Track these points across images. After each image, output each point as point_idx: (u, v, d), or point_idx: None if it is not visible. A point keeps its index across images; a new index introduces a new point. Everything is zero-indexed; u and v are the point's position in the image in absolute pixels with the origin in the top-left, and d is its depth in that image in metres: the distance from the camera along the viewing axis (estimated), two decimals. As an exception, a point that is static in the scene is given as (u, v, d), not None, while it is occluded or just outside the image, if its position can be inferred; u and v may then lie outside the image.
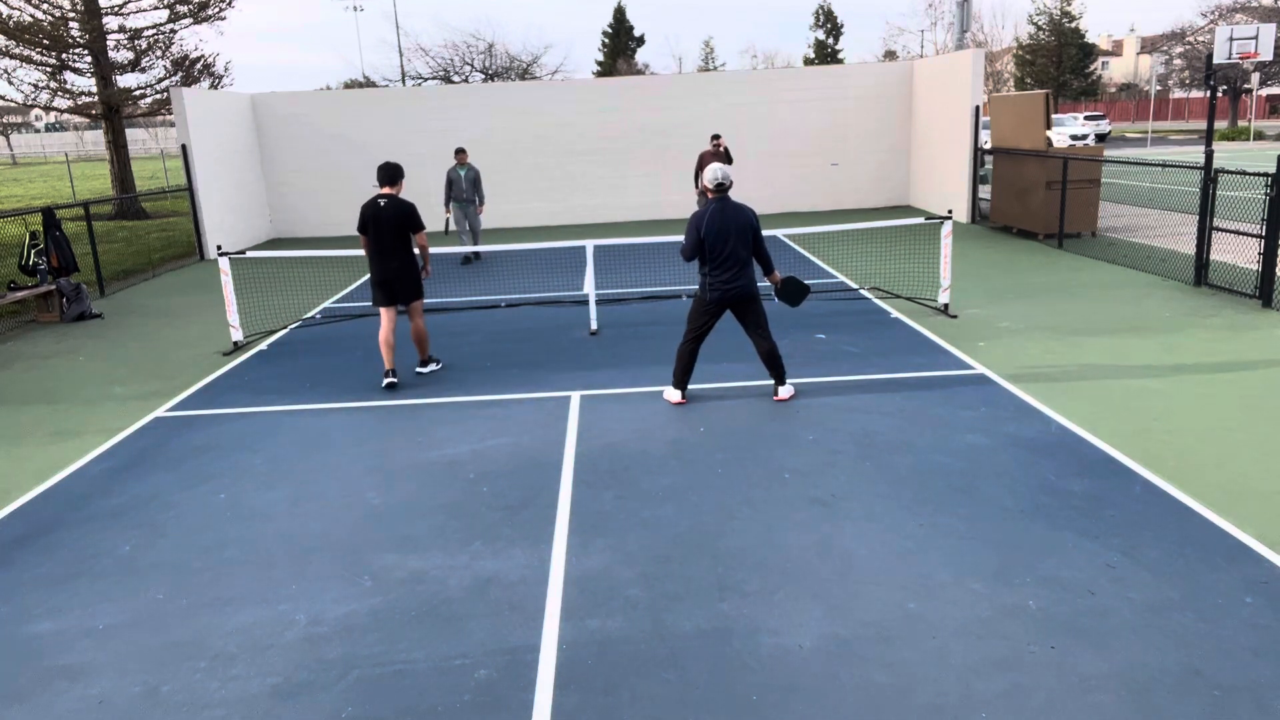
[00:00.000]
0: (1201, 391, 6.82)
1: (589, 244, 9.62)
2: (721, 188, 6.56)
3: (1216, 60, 10.87)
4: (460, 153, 14.21)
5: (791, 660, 3.71)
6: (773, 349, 6.88)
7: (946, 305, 9.66)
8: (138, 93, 23.70)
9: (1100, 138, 42.78)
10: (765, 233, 10.63)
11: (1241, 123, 51.89)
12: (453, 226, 14.37)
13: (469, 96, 20.08)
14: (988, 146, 16.61)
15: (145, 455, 6.40)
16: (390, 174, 7.66)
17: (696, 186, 14.91)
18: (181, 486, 5.79)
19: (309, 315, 10.84)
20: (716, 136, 14.83)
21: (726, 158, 14.70)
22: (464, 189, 14.07)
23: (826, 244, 14.78)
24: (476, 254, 10.21)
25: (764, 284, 10.50)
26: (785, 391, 6.93)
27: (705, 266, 6.62)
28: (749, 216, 6.61)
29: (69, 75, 23.15)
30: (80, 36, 22.25)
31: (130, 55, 23.45)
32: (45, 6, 22.10)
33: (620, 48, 61.20)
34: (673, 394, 6.97)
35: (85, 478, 6.03)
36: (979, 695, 3.44)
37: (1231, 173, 9.90)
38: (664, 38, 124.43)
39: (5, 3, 21.29)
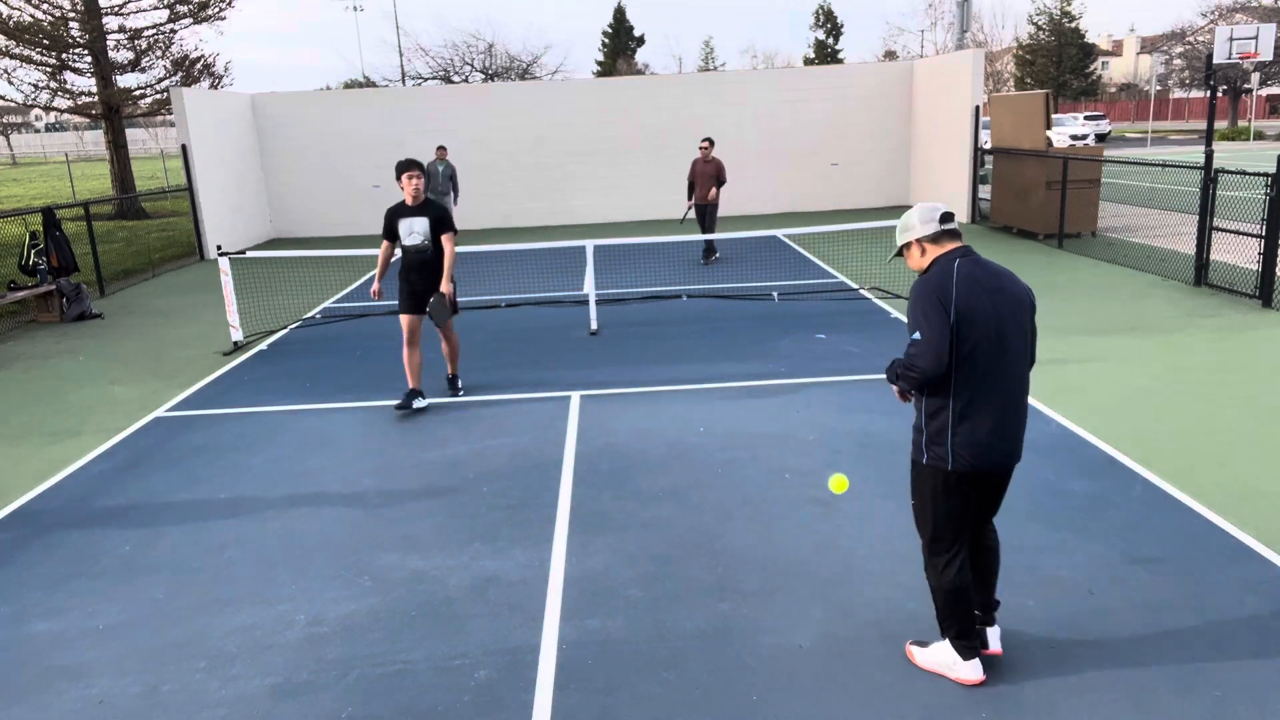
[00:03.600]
0: (1201, 391, 6.82)
1: (589, 244, 9.62)
2: (954, 232, 3.38)
3: (1216, 60, 10.87)
4: (441, 149, 15.07)
5: (791, 660, 3.71)
6: (997, 550, 3.69)
7: (946, 305, 9.64)
8: (138, 93, 23.71)
9: (1100, 138, 42.77)
10: (764, 233, 10.69)
11: (1241, 123, 51.88)
12: None
13: (469, 96, 20.08)
14: (988, 146, 16.61)
15: (145, 455, 6.40)
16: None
17: (689, 199, 12.93)
18: (181, 486, 5.79)
19: (309, 315, 10.84)
20: (707, 141, 12.82)
21: (718, 175, 12.63)
22: (439, 183, 14.87)
23: (826, 244, 14.77)
24: None
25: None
26: (995, 638, 3.68)
27: (948, 393, 3.29)
28: (1026, 294, 3.38)
29: (69, 75, 23.19)
30: (80, 36, 22.25)
31: (130, 55, 23.49)
32: (45, 6, 22.12)
33: (620, 48, 61.20)
34: (965, 668, 3.50)
35: (85, 478, 6.03)
36: (979, 695, 3.44)
37: (1231, 173, 9.90)
38: (664, 38, 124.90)
39: (5, 3, 21.29)
